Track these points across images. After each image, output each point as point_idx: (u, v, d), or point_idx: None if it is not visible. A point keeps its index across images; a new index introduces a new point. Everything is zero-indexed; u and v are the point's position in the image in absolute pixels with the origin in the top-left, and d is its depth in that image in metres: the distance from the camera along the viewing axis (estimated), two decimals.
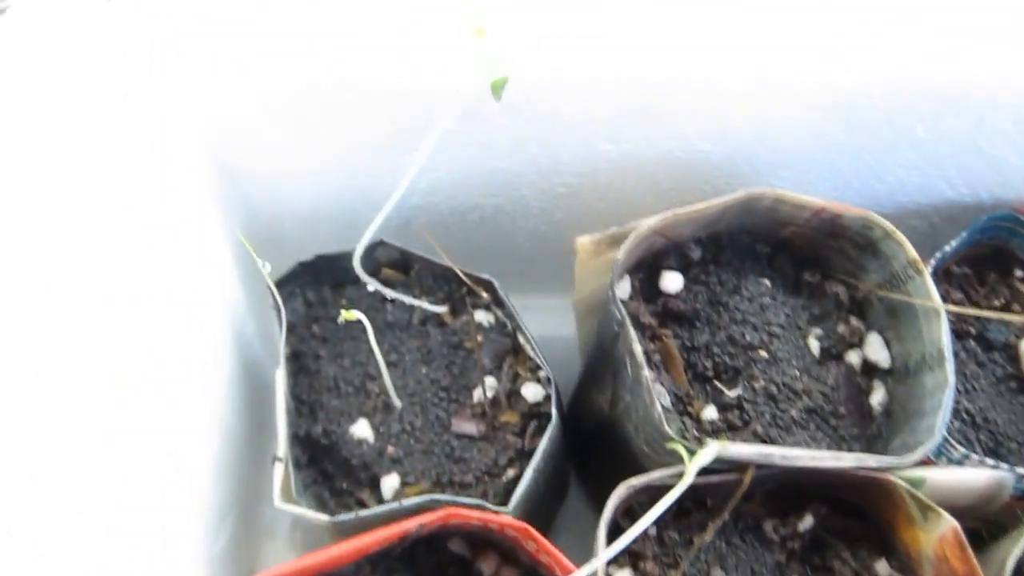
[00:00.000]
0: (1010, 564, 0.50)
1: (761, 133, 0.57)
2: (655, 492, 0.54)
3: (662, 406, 0.54)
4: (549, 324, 0.69)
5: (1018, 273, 0.65)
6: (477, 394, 0.60)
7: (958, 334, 0.64)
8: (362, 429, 0.59)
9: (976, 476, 0.53)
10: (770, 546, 0.56)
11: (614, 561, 0.55)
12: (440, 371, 0.61)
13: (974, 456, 0.54)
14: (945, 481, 0.53)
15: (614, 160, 0.60)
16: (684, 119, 0.56)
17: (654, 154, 0.60)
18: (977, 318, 0.64)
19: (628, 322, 0.54)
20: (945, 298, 0.64)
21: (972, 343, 0.63)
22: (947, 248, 0.61)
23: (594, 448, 0.66)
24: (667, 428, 0.51)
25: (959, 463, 0.54)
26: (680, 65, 0.52)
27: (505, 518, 0.49)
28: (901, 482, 0.52)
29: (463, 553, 0.55)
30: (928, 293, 0.55)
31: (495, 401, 0.60)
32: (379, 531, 0.48)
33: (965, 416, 0.60)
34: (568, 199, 0.64)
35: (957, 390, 0.60)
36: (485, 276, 0.60)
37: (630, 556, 0.55)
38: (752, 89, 0.53)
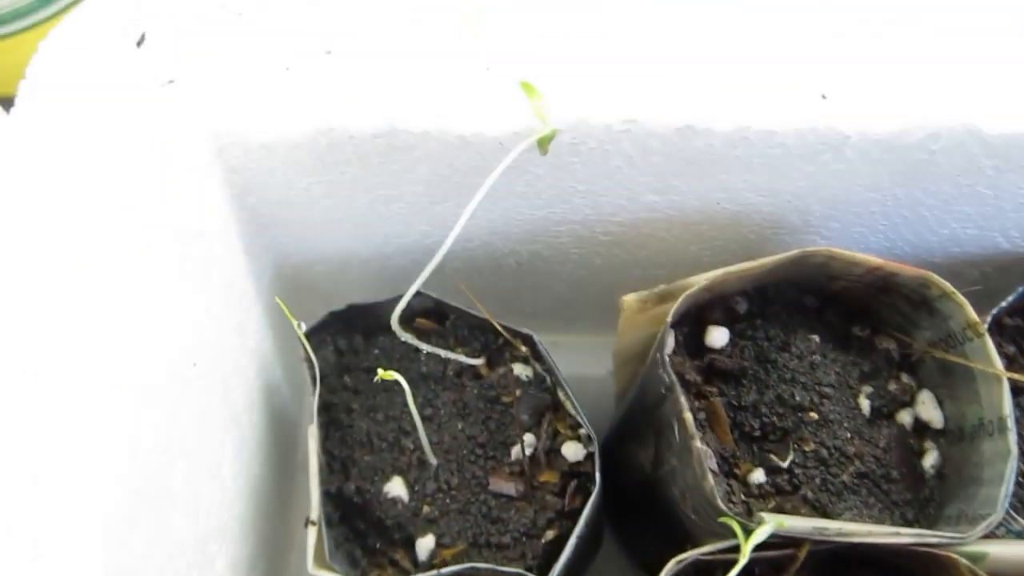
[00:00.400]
0: None
1: (815, 186, 0.55)
2: (704, 565, 0.52)
3: (711, 471, 0.53)
4: (582, 363, 0.67)
5: None
6: (515, 452, 0.58)
7: (1014, 391, 0.61)
8: (396, 487, 0.57)
9: None
10: None
11: None
12: (477, 427, 0.59)
13: None
14: (1009, 556, 0.51)
15: (659, 210, 0.58)
16: (736, 172, 0.53)
17: (701, 205, 0.57)
18: None
19: (679, 387, 0.52)
20: (999, 352, 0.62)
21: None
22: (1003, 304, 0.59)
23: (634, 505, 0.64)
24: (720, 503, 0.49)
25: (1020, 535, 0.52)
26: (738, 117, 0.50)
27: None
28: (961, 559, 0.50)
29: None
30: (989, 358, 0.53)
31: (534, 459, 0.58)
32: None
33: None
34: (609, 247, 0.62)
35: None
36: (525, 331, 0.58)
37: None
38: (809, 142, 0.51)
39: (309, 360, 0.58)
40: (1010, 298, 0.60)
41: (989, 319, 0.59)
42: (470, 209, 0.48)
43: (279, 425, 0.66)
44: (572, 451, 0.57)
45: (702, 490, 0.50)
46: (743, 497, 0.55)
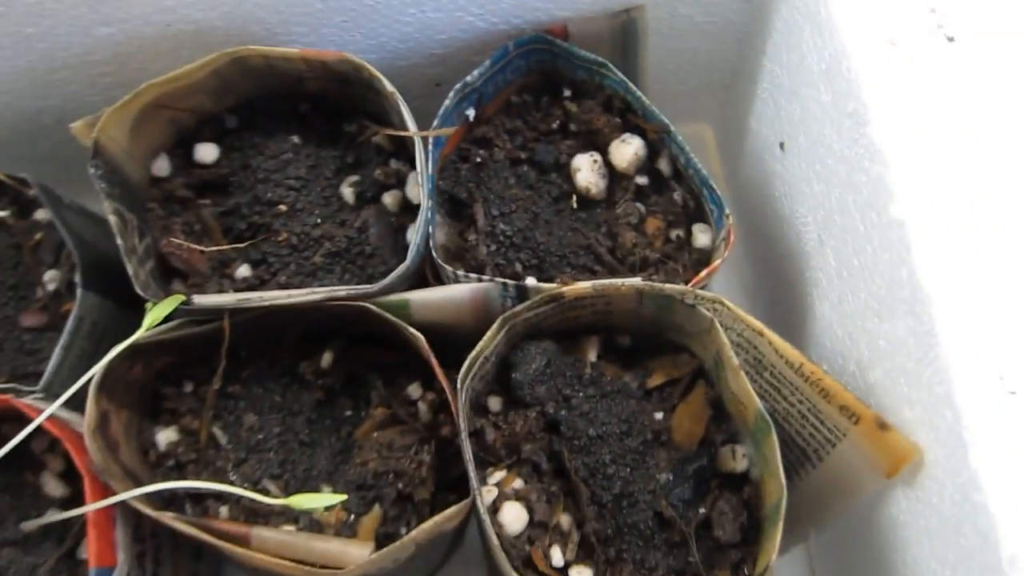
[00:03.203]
0: (471, 364, 0.53)
1: None
2: (182, 349, 0.57)
3: (185, 270, 0.58)
4: None
5: (566, 93, 0.66)
6: (40, 290, 0.63)
7: (513, 161, 0.65)
8: None
9: (459, 291, 0.56)
10: (307, 386, 0.60)
11: (158, 421, 0.59)
12: (7, 272, 0.64)
13: (460, 273, 0.56)
14: (430, 300, 0.56)
15: (123, 42, 0.61)
16: None
17: (156, 31, 0.60)
18: (535, 141, 0.66)
19: (103, 190, 0.55)
20: (502, 128, 0.66)
21: (526, 168, 0.65)
22: (469, 78, 0.62)
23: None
24: (138, 288, 0.54)
25: (454, 281, 0.57)
26: None
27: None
28: (375, 308, 0.55)
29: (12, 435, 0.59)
30: (405, 123, 0.57)
31: (56, 293, 0.63)
32: None
33: (503, 239, 0.62)
34: (118, 88, 0.64)
35: (493, 215, 0.62)
36: (21, 175, 0.62)
37: (170, 415, 0.59)
38: None
39: None
40: (477, 71, 0.63)
41: (458, 93, 0.62)
42: None
43: None
44: (78, 279, 0.62)
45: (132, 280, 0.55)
46: (232, 291, 0.59)
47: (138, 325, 0.63)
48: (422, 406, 0.59)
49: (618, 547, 0.55)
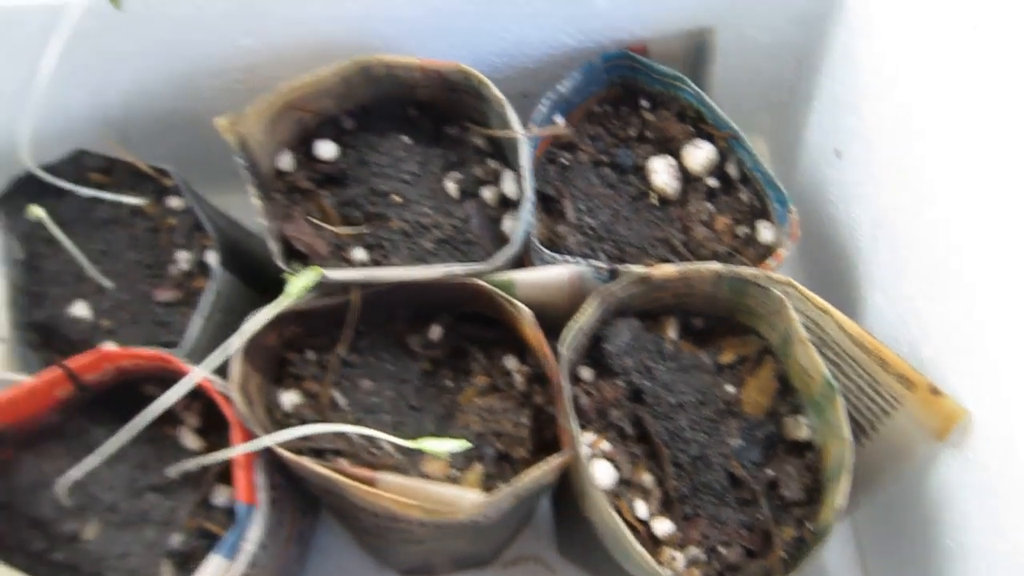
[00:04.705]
0: (570, 334, 0.60)
1: (368, 10, 0.66)
2: (308, 321, 0.64)
3: (308, 253, 0.65)
4: None
5: (644, 103, 0.74)
6: (173, 268, 0.70)
7: (596, 163, 0.73)
8: (80, 309, 0.70)
9: (558, 272, 0.63)
10: (415, 357, 0.67)
11: (283, 385, 0.66)
12: (144, 253, 0.71)
13: (558, 256, 0.64)
14: (532, 280, 0.63)
15: (260, 51, 0.69)
16: (291, 6, 0.64)
17: (290, 41, 0.68)
18: (615, 146, 0.73)
19: (249, 182, 0.63)
20: (585, 133, 0.74)
21: (607, 169, 0.73)
22: (560, 88, 0.70)
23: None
24: (279, 262, 0.61)
25: (551, 264, 0.64)
26: None
27: (140, 350, 0.60)
28: (487, 285, 0.62)
29: (156, 395, 0.66)
30: (510, 125, 0.65)
31: (189, 272, 0.70)
32: (38, 376, 0.59)
33: (589, 231, 0.69)
34: (248, 94, 0.73)
35: (580, 209, 0.70)
36: (163, 166, 0.70)
37: (295, 380, 0.66)
38: None
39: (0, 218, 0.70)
40: (567, 82, 0.71)
41: (548, 101, 0.70)
42: (44, 71, 0.59)
43: None
44: (214, 258, 0.70)
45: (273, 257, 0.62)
46: None
47: (259, 300, 0.71)
48: (518, 377, 0.66)
49: (694, 503, 0.61)
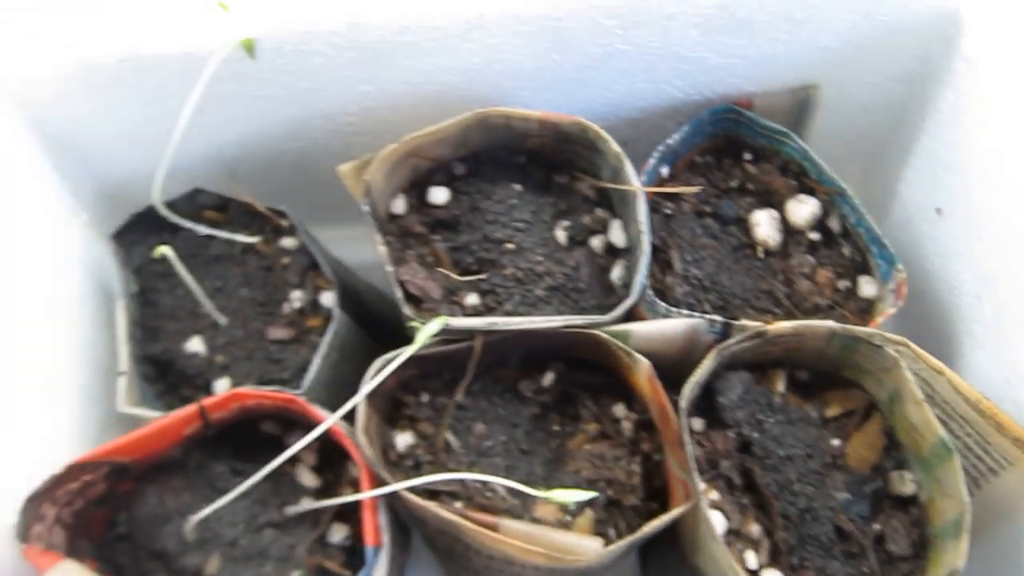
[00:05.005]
0: (688, 387, 0.61)
1: (486, 61, 0.68)
2: (424, 364, 0.66)
3: (420, 296, 0.67)
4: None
5: (747, 157, 0.76)
6: (286, 306, 0.72)
7: (698, 214, 0.75)
8: (195, 344, 0.72)
9: (674, 325, 0.65)
10: (526, 402, 0.68)
11: (397, 426, 0.68)
12: (257, 291, 0.73)
13: (674, 310, 0.65)
14: (648, 332, 0.65)
15: (377, 98, 0.71)
16: (416, 57, 0.66)
17: (407, 89, 0.70)
18: (716, 198, 0.75)
19: (376, 227, 0.65)
20: (688, 184, 0.75)
21: (710, 220, 0.74)
22: (670, 141, 0.72)
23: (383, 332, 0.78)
24: (406, 310, 0.63)
25: (664, 316, 0.66)
26: (391, 12, 0.63)
27: (273, 391, 0.61)
28: (605, 335, 0.64)
29: (274, 432, 0.68)
30: (629, 179, 0.66)
31: (301, 310, 0.72)
32: (174, 414, 0.61)
33: (694, 281, 0.71)
34: (358, 136, 0.76)
35: (686, 260, 0.71)
36: (280, 208, 0.72)
37: (409, 421, 0.68)
38: (457, 24, 0.64)
39: (116, 251, 0.72)
40: (677, 135, 0.72)
41: (657, 154, 0.72)
42: (186, 114, 0.61)
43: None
44: (329, 299, 0.71)
45: (399, 306, 0.64)
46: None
47: (368, 340, 0.72)
48: (626, 424, 0.67)
49: (801, 555, 0.63)
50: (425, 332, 0.60)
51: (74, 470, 0.59)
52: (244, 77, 0.67)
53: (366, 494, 0.59)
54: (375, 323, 0.79)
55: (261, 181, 0.80)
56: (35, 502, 0.58)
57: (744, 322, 0.64)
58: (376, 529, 0.60)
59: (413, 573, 0.84)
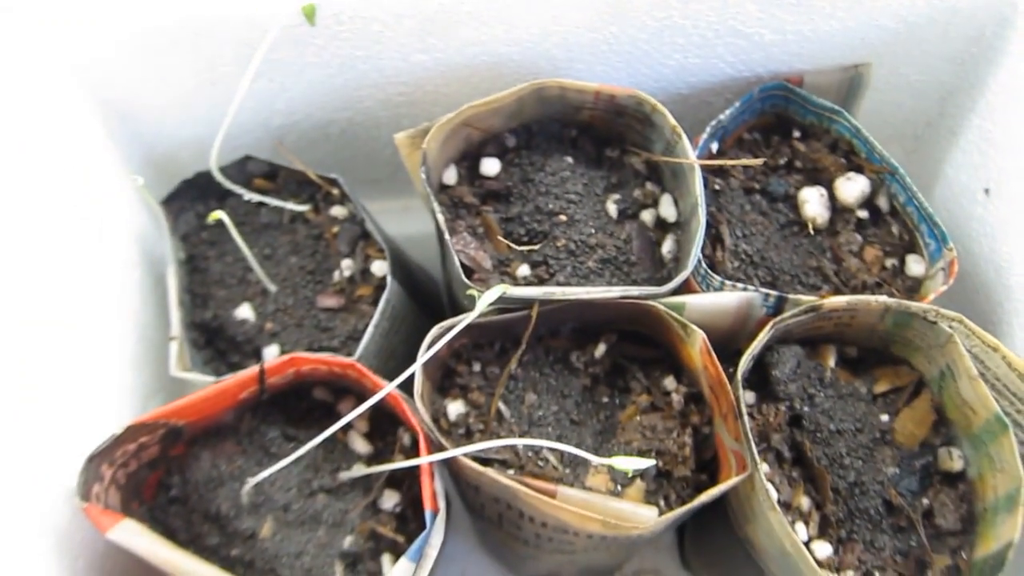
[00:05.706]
0: (744, 360, 0.62)
1: (545, 33, 0.68)
2: (476, 333, 0.66)
3: (471, 266, 0.67)
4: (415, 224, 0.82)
5: (796, 134, 0.76)
6: (336, 275, 0.72)
7: (747, 190, 0.75)
8: (244, 311, 0.72)
9: (728, 298, 0.65)
10: (576, 373, 0.69)
11: (448, 395, 0.68)
12: (307, 259, 0.73)
13: (728, 283, 0.65)
14: (702, 304, 0.65)
15: (431, 68, 0.71)
16: (474, 26, 0.66)
17: (462, 60, 0.70)
18: (764, 175, 0.75)
19: (432, 196, 0.65)
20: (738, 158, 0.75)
21: (758, 196, 0.74)
22: (722, 117, 0.72)
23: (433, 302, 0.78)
24: (463, 278, 0.63)
25: (718, 289, 0.66)
26: None
27: (331, 357, 0.61)
28: (662, 307, 0.64)
29: (325, 399, 0.68)
30: (686, 153, 0.66)
31: (351, 279, 0.72)
32: (232, 377, 0.61)
33: (744, 257, 0.71)
34: (408, 107, 0.76)
35: (736, 236, 0.71)
36: (332, 176, 0.72)
37: (460, 390, 0.68)
38: None
39: (166, 218, 0.72)
40: (728, 111, 0.73)
41: (709, 129, 0.72)
42: (246, 81, 0.61)
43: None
44: (379, 268, 0.72)
45: (456, 275, 0.64)
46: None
47: (419, 310, 0.73)
48: (675, 397, 0.68)
49: (850, 528, 0.63)
50: (484, 299, 0.60)
51: (133, 431, 0.59)
52: (300, 44, 0.67)
53: (425, 458, 0.59)
54: (420, 293, 0.79)
55: (305, 151, 0.80)
56: (95, 461, 0.58)
57: (798, 296, 0.65)
58: (434, 495, 0.60)
59: (451, 546, 0.84)
